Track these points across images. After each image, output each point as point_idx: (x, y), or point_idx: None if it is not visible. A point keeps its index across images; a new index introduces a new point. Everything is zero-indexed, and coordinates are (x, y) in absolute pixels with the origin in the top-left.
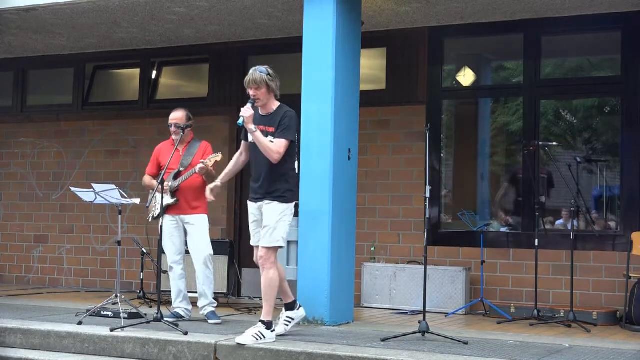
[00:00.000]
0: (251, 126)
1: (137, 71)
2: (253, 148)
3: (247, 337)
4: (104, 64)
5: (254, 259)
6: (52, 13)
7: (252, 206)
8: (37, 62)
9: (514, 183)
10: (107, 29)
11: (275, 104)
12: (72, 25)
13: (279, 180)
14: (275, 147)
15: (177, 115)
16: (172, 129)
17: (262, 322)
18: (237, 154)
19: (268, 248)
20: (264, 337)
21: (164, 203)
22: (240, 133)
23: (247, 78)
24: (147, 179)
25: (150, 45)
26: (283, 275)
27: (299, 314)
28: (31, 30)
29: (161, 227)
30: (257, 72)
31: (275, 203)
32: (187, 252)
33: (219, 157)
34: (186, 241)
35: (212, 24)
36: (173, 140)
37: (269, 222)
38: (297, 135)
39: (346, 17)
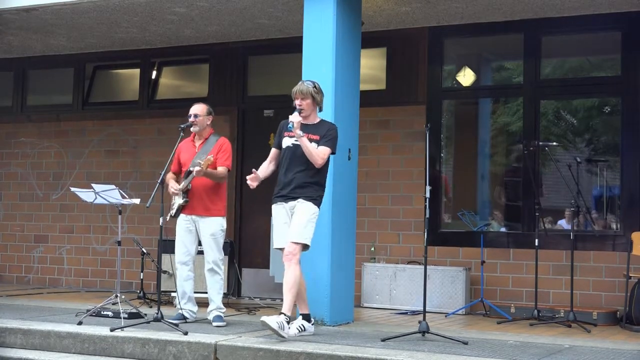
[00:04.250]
0: (299, 131)
1: (137, 71)
2: (288, 154)
3: (275, 325)
4: (104, 64)
5: (283, 260)
6: (52, 13)
7: (281, 207)
8: (37, 62)
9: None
10: (107, 29)
11: (317, 117)
12: (72, 25)
13: (312, 186)
14: (321, 152)
15: (197, 107)
16: (191, 119)
17: (291, 316)
18: (266, 162)
19: (296, 244)
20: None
21: (177, 203)
22: (278, 138)
23: (295, 88)
24: (168, 177)
25: (150, 45)
26: (304, 284)
27: (311, 328)
28: (31, 30)
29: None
30: (304, 84)
31: (310, 203)
32: (200, 252)
33: (211, 160)
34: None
35: (212, 24)
36: (193, 135)
37: (300, 219)
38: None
39: (346, 17)
